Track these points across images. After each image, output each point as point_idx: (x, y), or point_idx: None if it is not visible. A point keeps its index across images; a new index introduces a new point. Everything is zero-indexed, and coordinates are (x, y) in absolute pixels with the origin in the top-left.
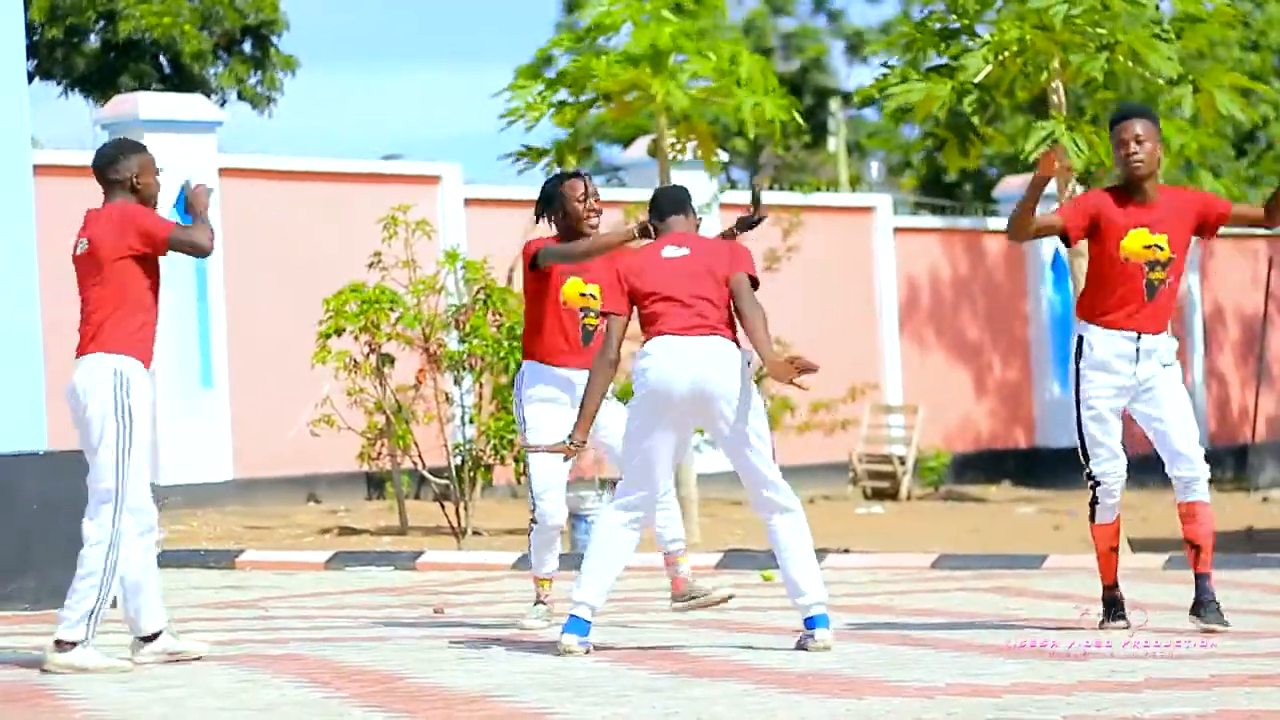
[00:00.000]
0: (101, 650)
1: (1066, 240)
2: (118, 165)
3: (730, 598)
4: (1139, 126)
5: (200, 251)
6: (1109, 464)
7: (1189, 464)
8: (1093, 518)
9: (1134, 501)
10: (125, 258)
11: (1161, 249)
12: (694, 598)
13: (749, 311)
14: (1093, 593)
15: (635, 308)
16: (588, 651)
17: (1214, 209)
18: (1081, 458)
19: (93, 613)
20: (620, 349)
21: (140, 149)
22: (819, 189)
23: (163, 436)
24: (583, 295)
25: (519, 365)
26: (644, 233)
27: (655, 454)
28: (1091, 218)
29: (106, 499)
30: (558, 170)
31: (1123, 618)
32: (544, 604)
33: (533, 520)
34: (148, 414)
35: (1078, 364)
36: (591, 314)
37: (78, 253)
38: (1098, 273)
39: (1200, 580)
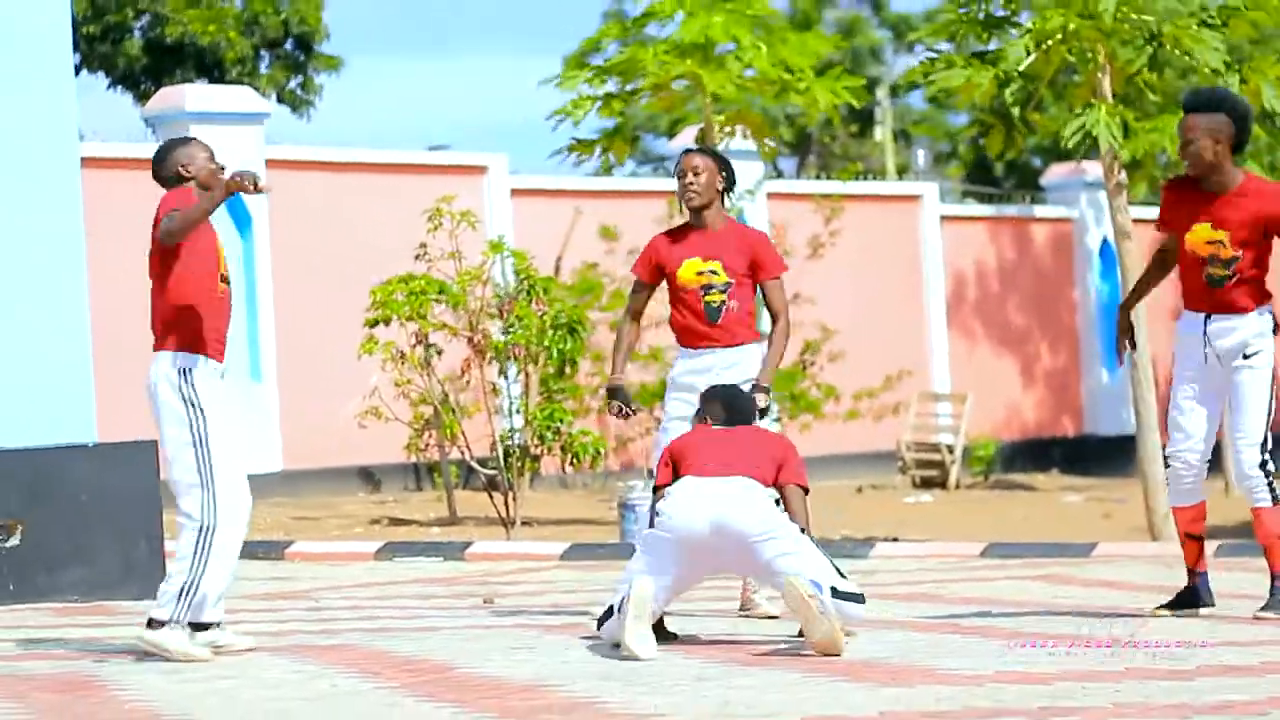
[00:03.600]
0: (187, 633)
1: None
2: (163, 164)
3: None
4: (1191, 125)
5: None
6: (1180, 444)
7: (1244, 474)
8: (1170, 500)
9: None
10: (156, 251)
11: (1224, 245)
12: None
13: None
14: (1141, 579)
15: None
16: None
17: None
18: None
19: (183, 593)
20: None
21: (183, 141)
22: (858, 175)
23: None
24: (699, 274)
25: (563, 354)
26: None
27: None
28: (1172, 211)
29: (193, 488)
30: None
31: (1193, 606)
32: None
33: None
34: (218, 403)
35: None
36: (715, 290)
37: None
38: (1178, 264)
39: (1273, 579)
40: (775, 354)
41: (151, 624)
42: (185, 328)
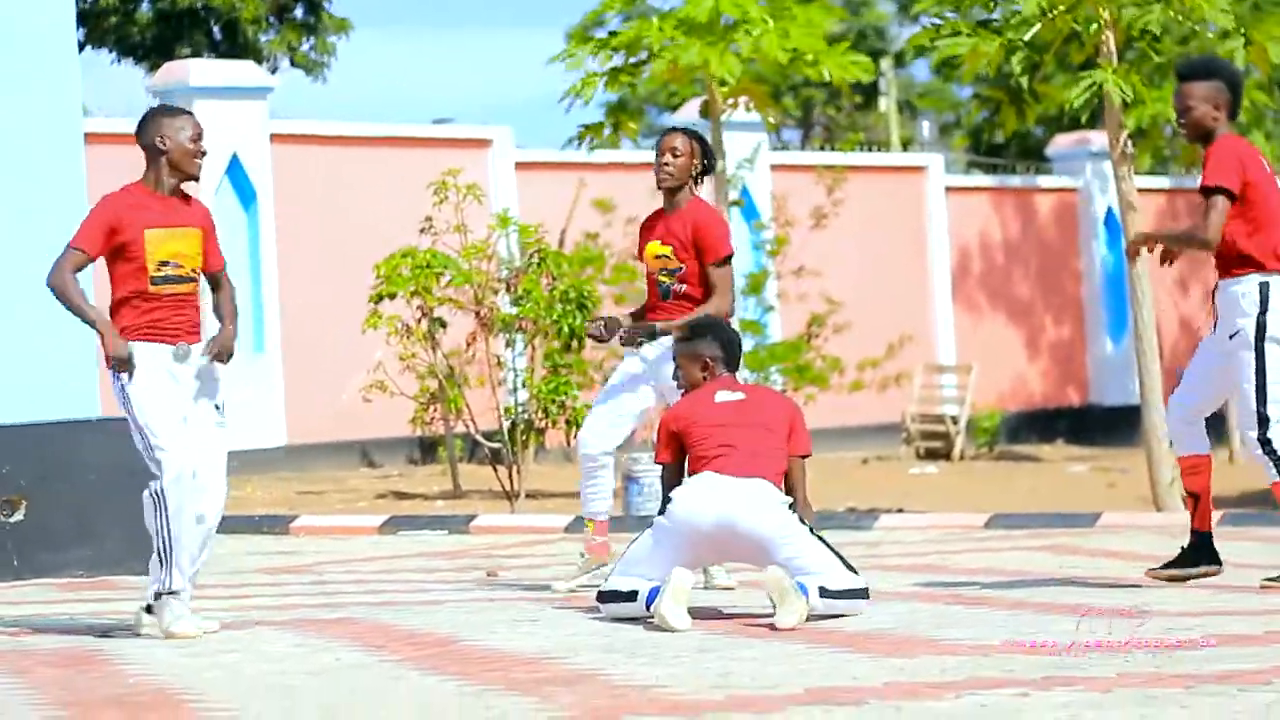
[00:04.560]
0: (175, 612)
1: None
2: (145, 130)
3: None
4: (1187, 94)
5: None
6: (1176, 391)
7: (1251, 451)
8: None
9: None
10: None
11: None
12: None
13: (801, 505)
14: (1146, 550)
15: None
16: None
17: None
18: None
19: (162, 562)
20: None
21: (167, 111)
22: (859, 145)
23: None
24: (658, 258)
25: (571, 328)
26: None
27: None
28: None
29: (144, 461)
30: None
31: (1190, 565)
32: (585, 555)
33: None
34: (157, 379)
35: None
36: (666, 273)
37: None
38: None
39: None
40: (689, 316)
41: (149, 609)
42: (118, 319)
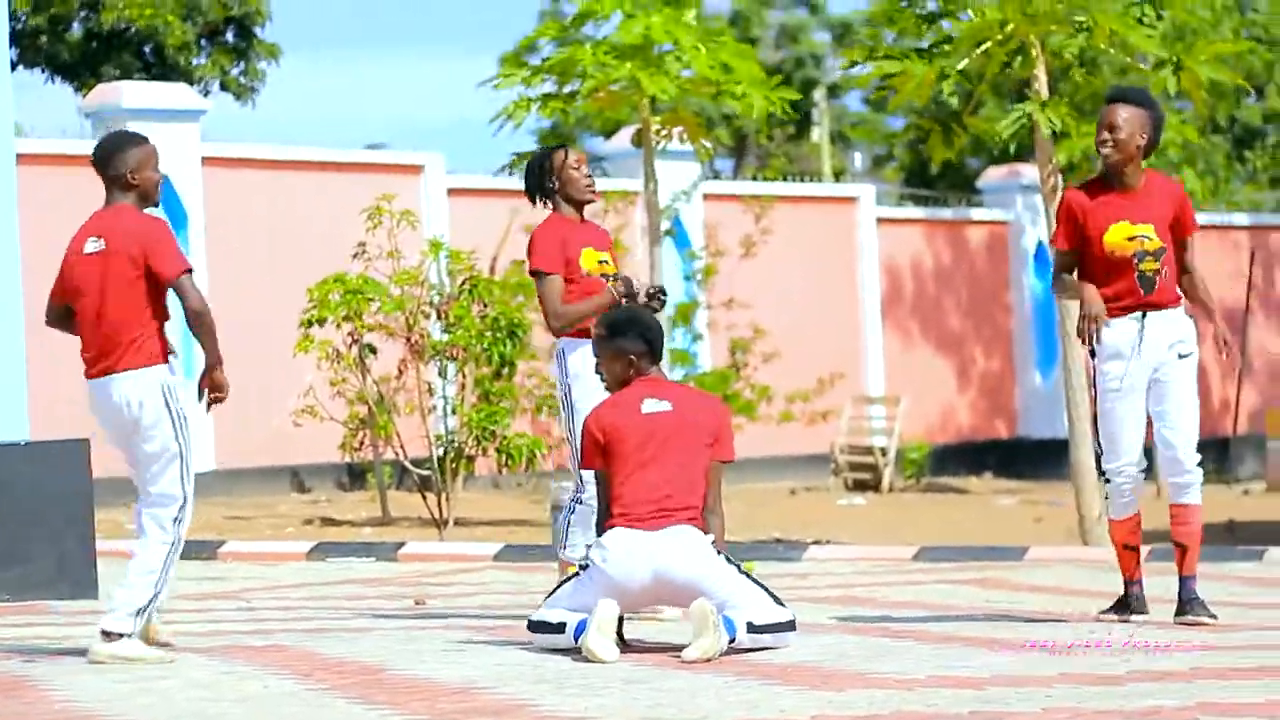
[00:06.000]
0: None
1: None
2: (113, 160)
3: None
4: (1116, 112)
5: (193, 320)
6: (1123, 460)
7: (1184, 470)
8: (1109, 513)
9: None
10: (142, 275)
11: (1149, 238)
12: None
13: (710, 513)
14: (1075, 585)
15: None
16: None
17: (1185, 219)
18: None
19: (144, 609)
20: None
21: (140, 141)
22: (785, 175)
23: None
24: (600, 263)
25: (502, 356)
26: (626, 295)
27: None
28: (1075, 224)
29: (169, 503)
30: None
31: (1127, 615)
32: None
33: (575, 500)
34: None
35: (1093, 359)
36: (611, 279)
37: (88, 250)
38: (1089, 270)
39: (1184, 582)
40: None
41: (109, 636)
42: (151, 346)
